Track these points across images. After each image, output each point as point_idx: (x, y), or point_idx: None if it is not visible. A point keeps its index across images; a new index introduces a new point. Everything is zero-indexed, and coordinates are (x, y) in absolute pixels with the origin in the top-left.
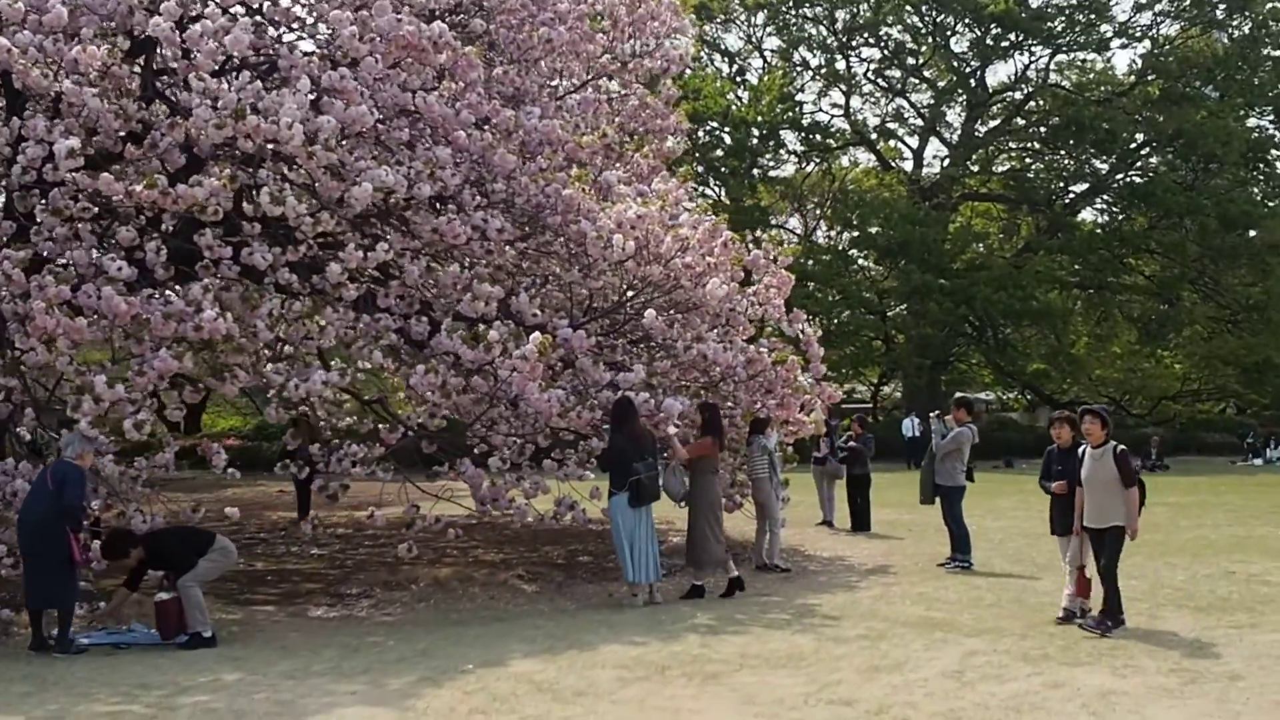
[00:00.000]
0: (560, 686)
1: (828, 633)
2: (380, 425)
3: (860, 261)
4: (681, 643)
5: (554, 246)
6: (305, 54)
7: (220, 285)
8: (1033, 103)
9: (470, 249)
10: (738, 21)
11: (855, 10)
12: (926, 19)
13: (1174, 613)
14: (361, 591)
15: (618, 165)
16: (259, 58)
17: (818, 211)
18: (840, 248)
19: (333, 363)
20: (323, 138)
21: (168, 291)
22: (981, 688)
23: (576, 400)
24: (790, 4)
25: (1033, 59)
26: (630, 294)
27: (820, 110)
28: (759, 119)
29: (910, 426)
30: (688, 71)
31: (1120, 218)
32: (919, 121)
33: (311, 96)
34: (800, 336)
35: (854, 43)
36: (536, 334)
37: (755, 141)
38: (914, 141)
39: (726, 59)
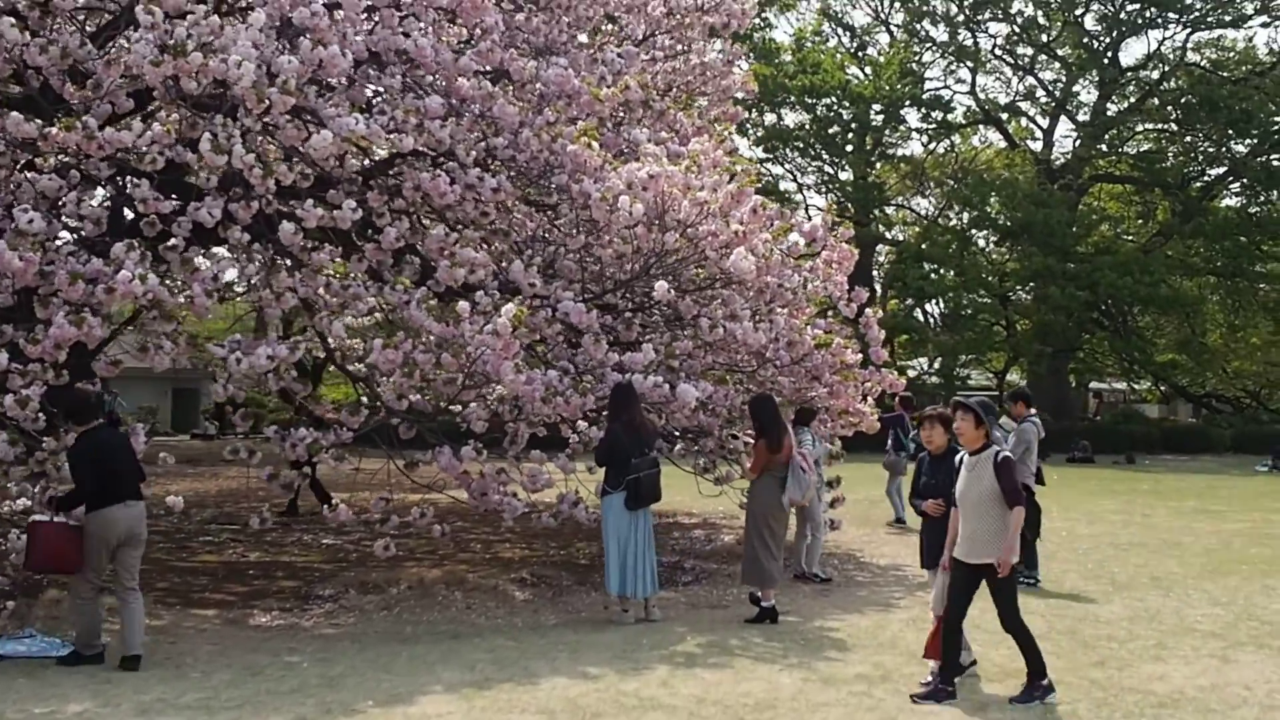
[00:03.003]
0: None
1: (822, 670)
2: (338, 406)
3: (980, 243)
4: (640, 678)
5: (562, 209)
6: None
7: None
8: (1168, 82)
9: (463, 210)
10: None
11: None
12: None
13: (1252, 655)
14: (333, 593)
15: (653, 123)
16: None
17: (934, 191)
18: (959, 228)
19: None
20: (281, 80)
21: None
22: None
23: (572, 383)
24: None
25: (1167, 35)
26: (651, 263)
27: (946, 87)
28: (877, 94)
29: None
30: (762, 28)
31: (1259, 202)
32: (1048, 100)
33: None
34: (860, 318)
35: (981, 18)
36: (509, 305)
37: (876, 118)
38: (1044, 121)
39: (848, 33)
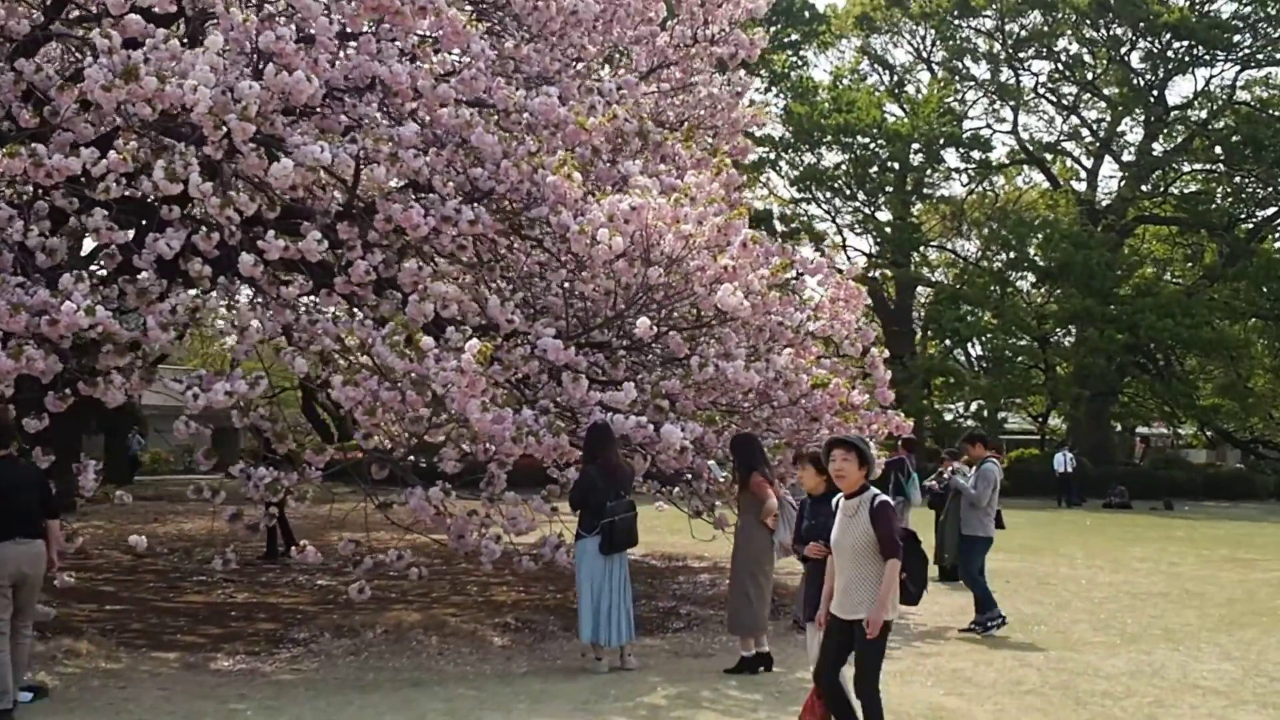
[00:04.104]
0: None
1: None
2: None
3: (1020, 285)
4: None
5: (545, 243)
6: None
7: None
8: (1216, 121)
9: (439, 243)
10: (904, 33)
11: (1025, 21)
12: (1100, 29)
13: (1253, 713)
14: (306, 637)
15: (650, 155)
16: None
17: (974, 232)
18: (998, 269)
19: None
20: (240, 106)
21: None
22: None
23: (548, 423)
24: (956, 14)
25: (1215, 74)
26: (636, 298)
27: (987, 126)
28: (915, 133)
29: (1063, 461)
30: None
31: None
32: (1092, 139)
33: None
34: (866, 358)
35: (1024, 55)
36: (474, 341)
37: (915, 157)
38: (1088, 161)
39: (888, 71)
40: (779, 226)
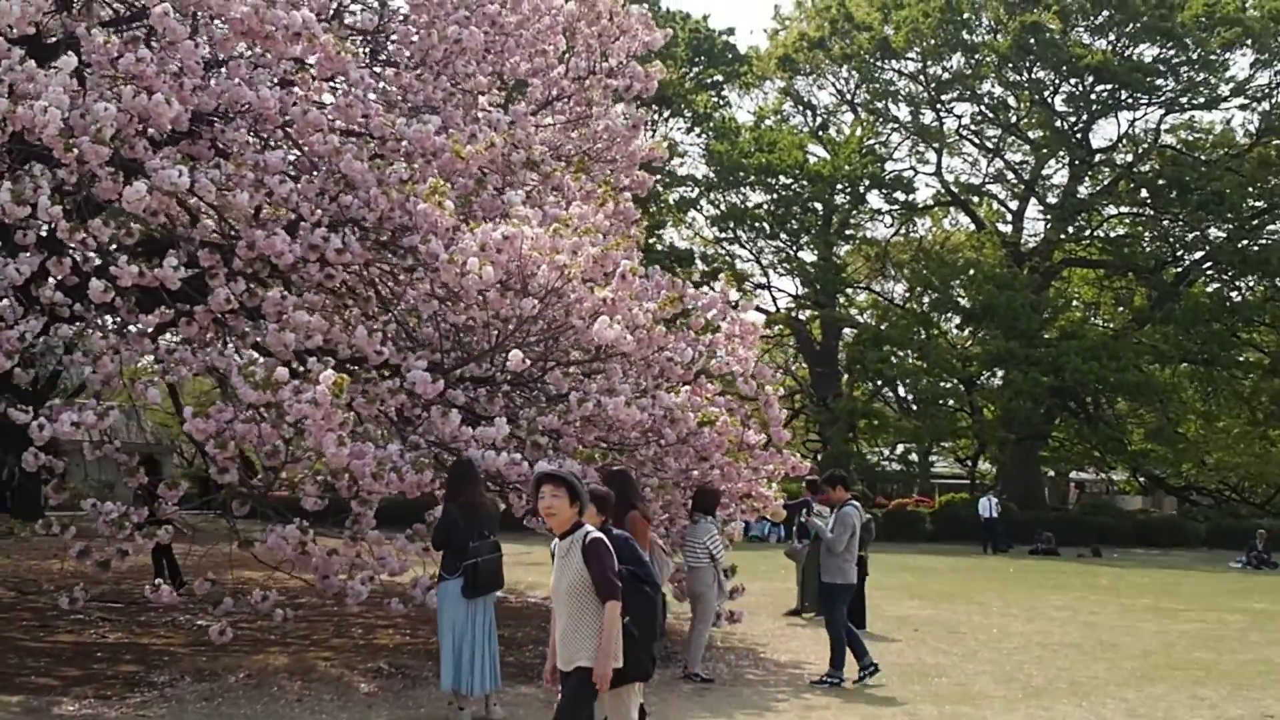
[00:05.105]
0: None
1: None
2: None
3: (943, 325)
4: None
5: (417, 272)
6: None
7: None
8: (1141, 165)
9: (307, 271)
10: (827, 75)
11: (947, 64)
12: (1023, 72)
13: None
14: (166, 680)
15: (539, 186)
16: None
17: (899, 273)
18: (921, 310)
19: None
20: (94, 128)
21: None
22: None
23: (414, 459)
24: (879, 56)
25: (1139, 117)
26: (510, 331)
27: (911, 169)
28: (836, 173)
29: (988, 506)
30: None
31: (1235, 288)
32: (1017, 182)
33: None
34: (759, 395)
35: (947, 97)
36: (328, 373)
37: (837, 198)
38: (1013, 204)
39: (809, 112)
40: (699, 265)
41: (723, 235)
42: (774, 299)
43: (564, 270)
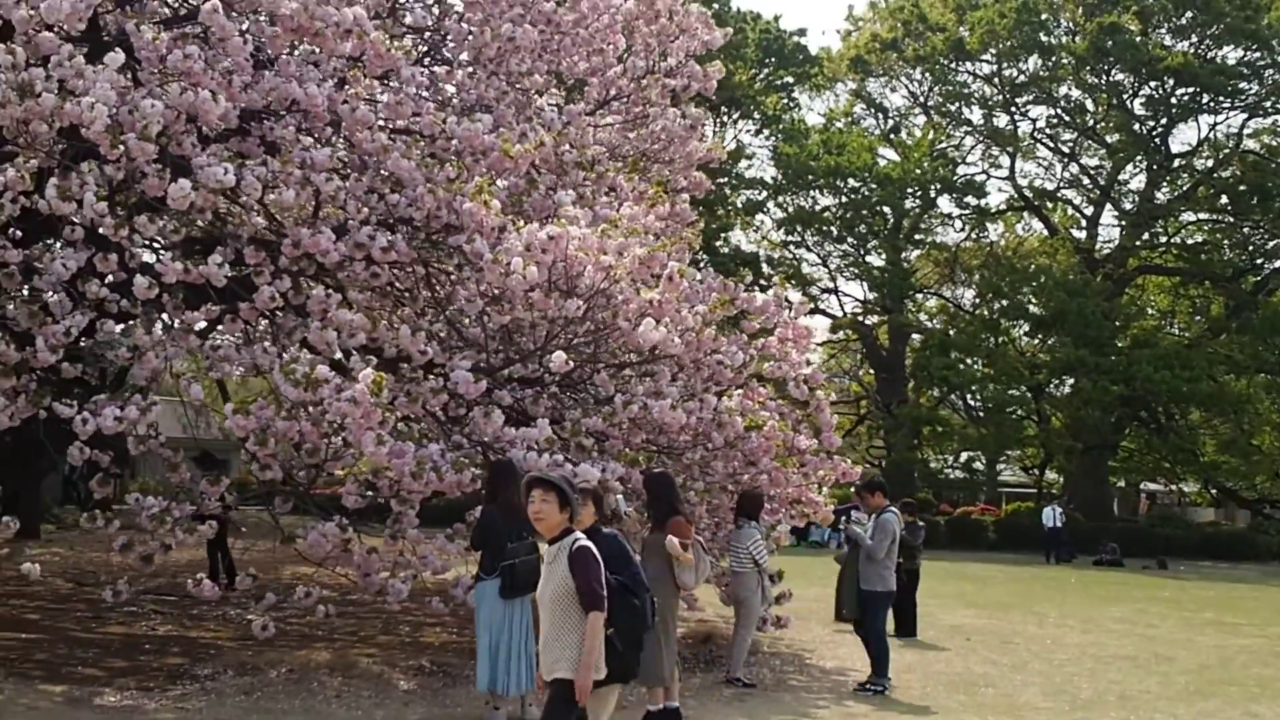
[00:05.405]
0: None
1: None
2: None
3: (1013, 332)
4: None
5: (464, 271)
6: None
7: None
8: (1221, 170)
9: (353, 270)
10: (899, 77)
11: (1023, 66)
12: (1101, 75)
13: None
14: (209, 673)
15: (593, 186)
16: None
17: (966, 278)
18: (987, 316)
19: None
20: (140, 126)
21: None
22: None
23: (454, 459)
24: (952, 58)
25: (1220, 121)
26: (556, 332)
27: (984, 173)
28: (906, 177)
29: (1051, 516)
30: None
31: None
32: (1092, 187)
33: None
34: (811, 400)
35: (1021, 100)
36: (368, 371)
37: (907, 202)
38: (1088, 209)
39: (880, 114)
40: (766, 269)
41: (790, 239)
42: (841, 304)
43: (610, 271)
